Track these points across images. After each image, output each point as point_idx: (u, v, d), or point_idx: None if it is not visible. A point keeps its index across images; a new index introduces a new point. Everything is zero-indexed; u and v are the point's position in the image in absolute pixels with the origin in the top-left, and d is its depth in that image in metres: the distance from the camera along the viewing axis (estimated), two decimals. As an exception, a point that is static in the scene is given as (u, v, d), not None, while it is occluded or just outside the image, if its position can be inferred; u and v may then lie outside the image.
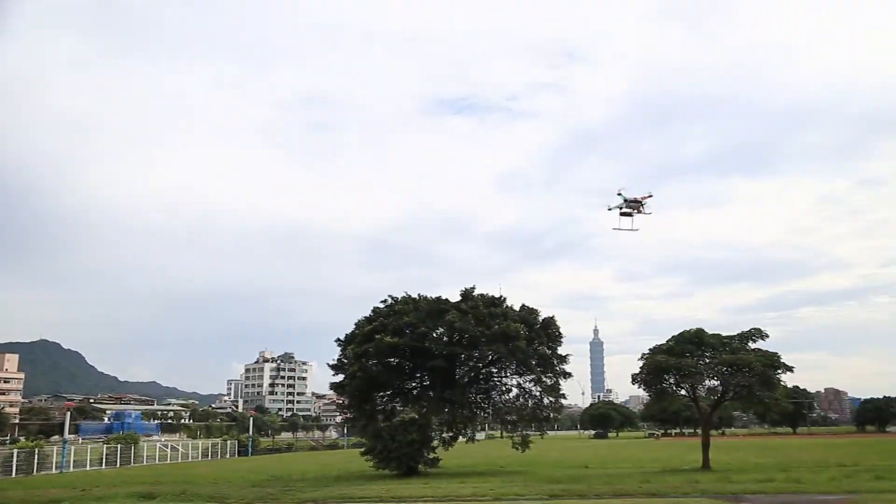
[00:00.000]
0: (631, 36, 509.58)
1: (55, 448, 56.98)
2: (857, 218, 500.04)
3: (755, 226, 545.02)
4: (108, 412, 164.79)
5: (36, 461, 51.12)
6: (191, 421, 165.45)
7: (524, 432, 40.28)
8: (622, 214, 35.04)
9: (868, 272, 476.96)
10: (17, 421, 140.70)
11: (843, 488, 23.11)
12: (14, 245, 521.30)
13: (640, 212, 34.87)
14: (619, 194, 36.20)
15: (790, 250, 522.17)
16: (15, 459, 50.06)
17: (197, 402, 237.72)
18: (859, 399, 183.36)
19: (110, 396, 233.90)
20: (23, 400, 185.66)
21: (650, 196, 35.32)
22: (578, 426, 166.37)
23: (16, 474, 47.75)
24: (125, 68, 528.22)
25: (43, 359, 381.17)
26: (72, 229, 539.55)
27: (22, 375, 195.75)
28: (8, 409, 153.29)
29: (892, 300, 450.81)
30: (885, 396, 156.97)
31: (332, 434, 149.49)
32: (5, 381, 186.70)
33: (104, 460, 59.65)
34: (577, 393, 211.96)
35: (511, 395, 40.70)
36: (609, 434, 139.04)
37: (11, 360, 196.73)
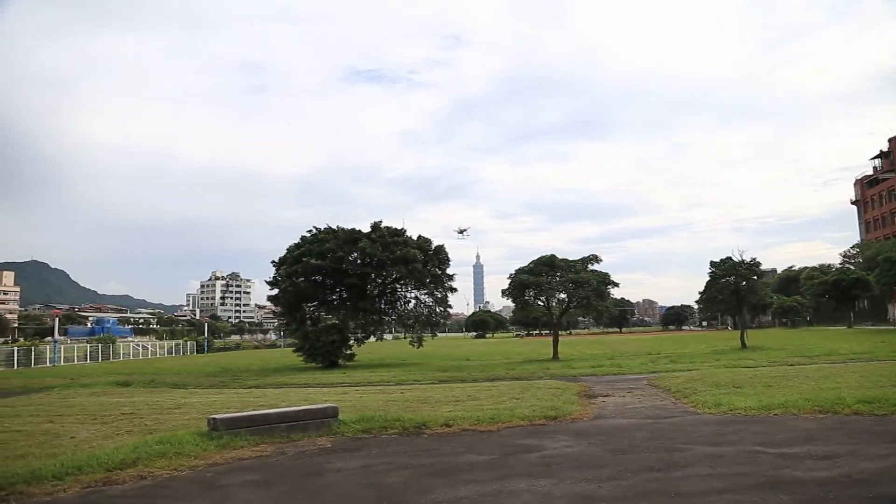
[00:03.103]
0: (500, 26, 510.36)
1: (48, 347, 55.47)
2: (665, 173, 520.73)
3: (594, 178, 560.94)
4: (90, 319, 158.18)
5: (33, 357, 50.42)
6: (158, 326, 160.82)
7: (420, 334, 40.53)
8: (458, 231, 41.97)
9: (673, 214, 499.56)
10: (16, 325, 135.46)
11: (649, 369, 24.15)
12: (11, 180, 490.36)
13: (464, 233, 41.71)
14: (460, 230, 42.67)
15: (620, 197, 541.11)
16: (16, 355, 49.94)
17: (162, 311, 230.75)
18: (665, 306, 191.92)
19: (91, 306, 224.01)
20: (20, 308, 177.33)
21: (468, 227, 42.05)
22: (463, 329, 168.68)
23: (17, 367, 47.11)
24: (92, 35, 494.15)
25: (34, 276, 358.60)
26: (58, 168, 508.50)
27: (18, 289, 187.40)
28: (8, 316, 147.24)
29: (688, 235, 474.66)
30: (682, 304, 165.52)
31: (272, 336, 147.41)
32: (4, 293, 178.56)
33: (88, 356, 58.08)
34: (462, 303, 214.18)
35: (410, 305, 40.77)
36: (486, 335, 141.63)
37: (8, 277, 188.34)
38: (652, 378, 20.26)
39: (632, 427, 11.02)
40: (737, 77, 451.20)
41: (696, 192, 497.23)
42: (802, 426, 10.18)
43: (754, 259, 40.76)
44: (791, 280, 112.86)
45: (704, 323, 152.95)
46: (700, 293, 46.54)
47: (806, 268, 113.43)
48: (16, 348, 51.94)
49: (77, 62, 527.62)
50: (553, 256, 37.38)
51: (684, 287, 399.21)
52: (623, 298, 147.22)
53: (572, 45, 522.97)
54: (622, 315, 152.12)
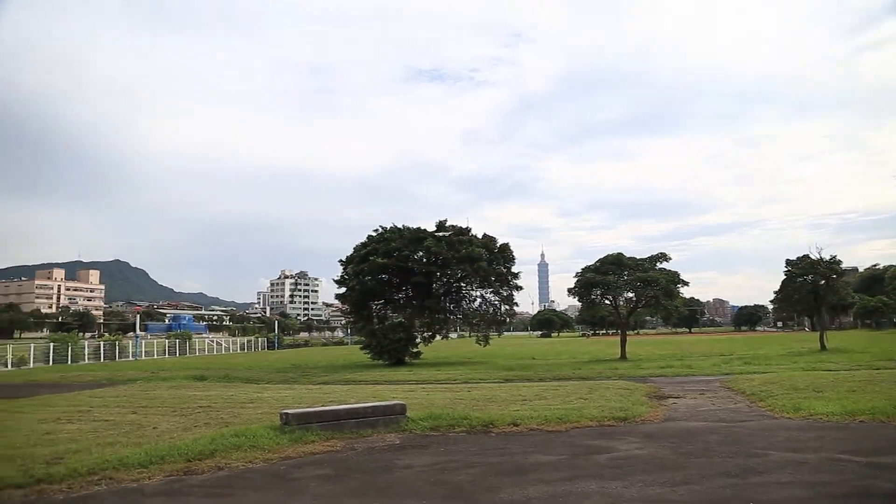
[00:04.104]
0: (562, 21, 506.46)
1: (130, 342, 58.11)
2: (736, 169, 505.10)
3: (660, 174, 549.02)
4: (167, 315, 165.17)
5: (117, 351, 53.06)
6: (230, 322, 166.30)
7: (486, 332, 40.51)
8: None
9: (745, 211, 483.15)
10: (101, 321, 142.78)
11: (721, 371, 23.40)
12: (95, 184, 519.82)
13: None
14: None
15: (687, 193, 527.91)
16: (102, 349, 52.40)
17: (235, 308, 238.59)
18: (737, 306, 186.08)
19: (169, 304, 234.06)
20: (104, 305, 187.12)
21: None
22: (528, 328, 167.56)
23: (103, 360, 49.42)
24: (166, 44, 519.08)
25: (116, 274, 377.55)
26: (137, 172, 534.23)
27: (103, 287, 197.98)
28: (94, 312, 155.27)
29: (761, 232, 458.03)
30: (755, 304, 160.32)
31: (339, 333, 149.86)
32: (91, 291, 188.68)
33: (166, 351, 60.52)
34: (527, 302, 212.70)
35: (476, 303, 40.82)
36: (552, 334, 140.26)
37: (94, 275, 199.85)
38: (725, 380, 19.62)
39: (705, 430, 10.69)
40: (811, 66, 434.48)
41: (769, 188, 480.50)
42: (892, 435, 9.66)
43: (834, 257, 39.12)
44: (875, 279, 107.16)
45: (779, 324, 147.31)
46: (775, 293, 45.07)
47: (892, 266, 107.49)
48: (102, 343, 54.77)
49: (152, 70, 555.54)
50: (620, 255, 36.75)
51: (757, 286, 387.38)
52: (692, 298, 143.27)
53: (635, 39, 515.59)
54: (692, 315, 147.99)
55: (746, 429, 10.70)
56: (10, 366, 39.78)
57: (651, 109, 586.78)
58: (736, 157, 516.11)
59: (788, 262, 40.91)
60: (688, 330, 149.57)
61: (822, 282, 39.15)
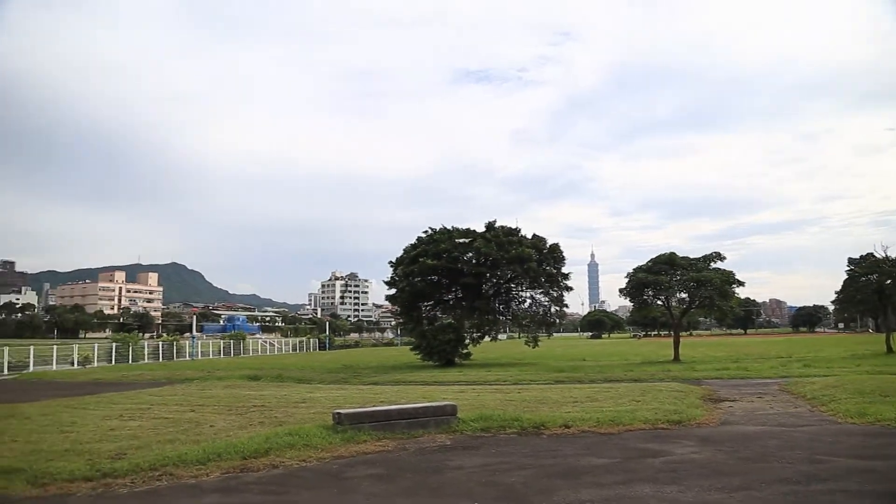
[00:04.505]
0: (612, 18, 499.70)
1: (187, 342, 59.50)
2: (795, 164, 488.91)
3: (713, 172, 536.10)
4: (222, 316, 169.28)
5: (174, 351, 54.50)
6: (282, 324, 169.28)
7: (535, 333, 40.21)
8: None
9: (804, 208, 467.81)
10: (159, 322, 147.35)
11: (779, 374, 22.72)
12: (154, 190, 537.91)
13: None
14: None
15: (742, 191, 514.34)
16: (160, 349, 53.92)
17: (287, 310, 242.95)
18: (795, 307, 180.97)
19: (223, 305, 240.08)
20: (162, 307, 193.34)
21: None
22: (578, 329, 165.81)
23: (162, 360, 50.80)
24: (216, 52, 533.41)
25: (174, 277, 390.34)
26: (193, 178, 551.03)
27: (161, 289, 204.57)
28: (153, 313, 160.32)
29: (820, 230, 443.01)
30: (814, 305, 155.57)
31: (389, 334, 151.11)
32: (150, 293, 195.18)
33: (221, 351, 61.74)
34: (577, 303, 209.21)
35: (525, 304, 40.57)
36: (602, 335, 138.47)
37: (153, 278, 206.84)
38: (783, 383, 19.04)
39: (763, 434, 10.39)
40: (873, 54, 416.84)
41: (830, 184, 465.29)
42: (965, 441, 9.20)
43: (901, 254, 37.44)
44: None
45: (840, 325, 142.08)
46: (837, 293, 43.56)
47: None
48: (160, 343, 56.47)
49: (206, 77, 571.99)
50: (673, 254, 36.07)
51: (816, 286, 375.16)
52: (748, 298, 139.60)
53: (687, 33, 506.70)
54: (747, 316, 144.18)
55: (808, 434, 10.35)
56: (76, 364, 41.43)
57: (704, 105, 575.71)
58: (794, 153, 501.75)
59: (851, 261, 39.55)
60: (743, 331, 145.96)
61: (888, 281, 37.60)
